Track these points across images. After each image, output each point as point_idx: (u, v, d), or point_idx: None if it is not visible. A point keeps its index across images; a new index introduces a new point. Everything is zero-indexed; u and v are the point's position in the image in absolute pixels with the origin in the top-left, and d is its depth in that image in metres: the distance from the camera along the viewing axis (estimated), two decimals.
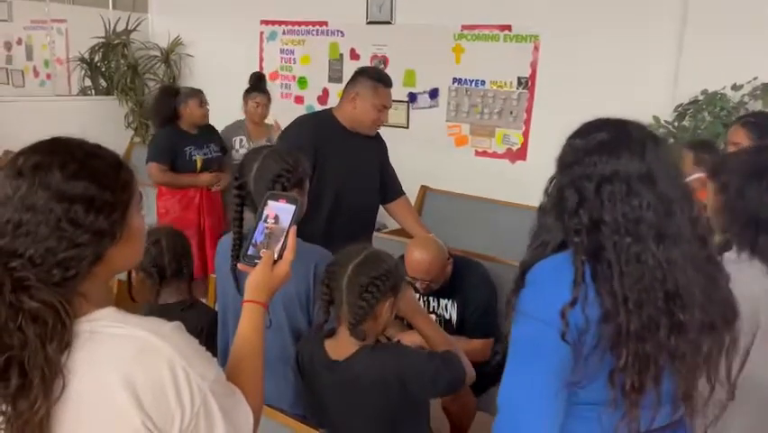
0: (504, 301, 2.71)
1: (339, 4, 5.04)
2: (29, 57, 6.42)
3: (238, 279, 1.72)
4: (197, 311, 2.02)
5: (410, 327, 2.68)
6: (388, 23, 4.86)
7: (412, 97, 4.84)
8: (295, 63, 5.45)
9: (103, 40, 5.96)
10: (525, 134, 4.43)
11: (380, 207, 2.86)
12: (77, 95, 6.12)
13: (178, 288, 2.10)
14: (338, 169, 2.52)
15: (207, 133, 3.94)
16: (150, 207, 3.85)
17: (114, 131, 5.64)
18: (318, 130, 2.55)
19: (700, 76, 3.57)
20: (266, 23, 5.53)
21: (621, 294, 1.06)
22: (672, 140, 3.48)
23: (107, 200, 0.91)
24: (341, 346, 1.65)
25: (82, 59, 5.96)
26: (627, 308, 1.06)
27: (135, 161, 4.66)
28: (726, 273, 1.19)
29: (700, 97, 3.54)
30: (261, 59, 5.61)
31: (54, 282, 0.87)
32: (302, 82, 5.43)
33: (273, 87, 5.52)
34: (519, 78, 4.38)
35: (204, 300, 2.56)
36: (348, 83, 2.62)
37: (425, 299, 2.64)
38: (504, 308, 2.71)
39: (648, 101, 3.64)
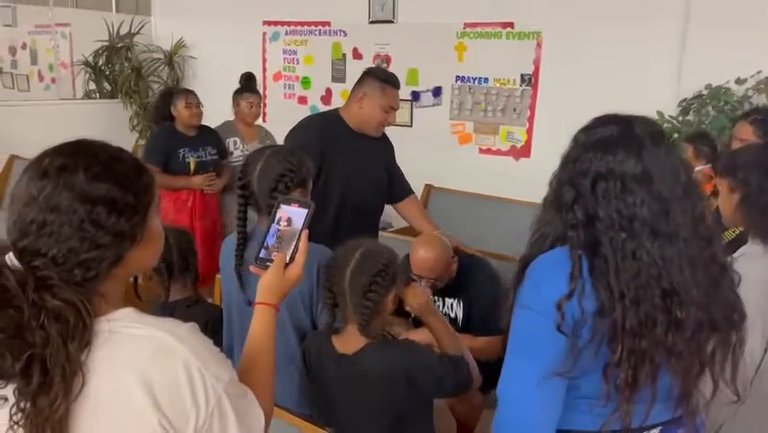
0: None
1: (341, 3, 5.05)
2: (33, 61, 6.46)
3: (242, 278, 1.73)
4: (203, 308, 2.05)
5: (416, 324, 2.69)
6: (391, 21, 4.87)
7: (415, 96, 4.84)
8: (298, 64, 5.46)
9: (106, 43, 5.99)
10: (529, 132, 4.42)
11: (387, 206, 2.86)
12: (82, 98, 6.16)
13: (184, 285, 2.16)
14: (344, 169, 2.52)
15: (205, 135, 3.89)
16: None
17: (119, 134, 5.66)
18: (324, 130, 2.56)
19: (704, 70, 3.56)
20: (268, 23, 5.54)
21: (618, 289, 1.07)
22: (676, 135, 3.47)
23: (129, 203, 0.92)
24: (349, 342, 1.66)
25: (86, 63, 5.99)
26: (624, 304, 1.07)
27: None
28: (731, 275, 1.18)
29: (704, 92, 3.54)
30: (264, 60, 5.62)
31: (75, 282, 0.88)
32: (305, 82, 5.44)
33: (276, 87, 5.55)
34: (522, 76, 4.38)
35: (210, 300, 2.58)
36: (356, 84, 2.62)
37: (432, 298, 2.64)
38: (509, 305, 2.72)
39: (652, 96, 3.64)
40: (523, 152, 4.47)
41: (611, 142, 1.13)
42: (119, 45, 6.00)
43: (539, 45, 4.28)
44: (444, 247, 2.44)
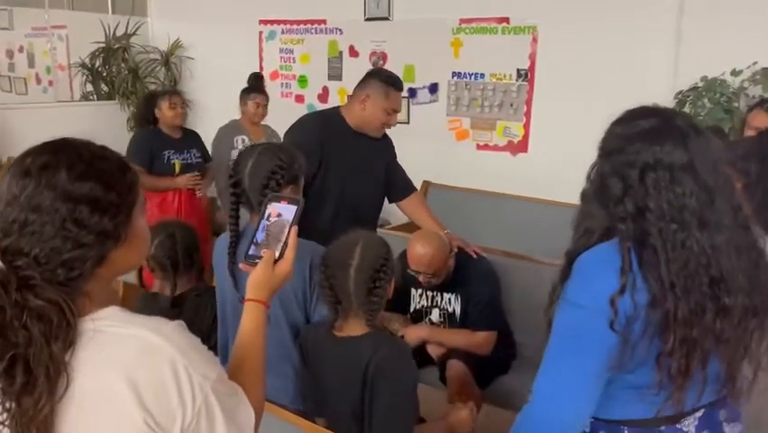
0: (511, 294, 2.72)
1: (337, 1, 5.05)
2: (31, 64, 6.46)
3: (236, 276, 1.73)
4: (211, 295, 2.06)
5: (414, 321, 2.70)
6: (386, 18, 4.86)
7: (412, 93, 4.84)
8: (294, 62, 5.46)
9: (103, 45, 5.98)
10: (526, 126, 4.42)
11: (387, 204, 2.86)
12: (80, 100, 6.15)
13: (189, 279, 2.19)
14: (343, 168, 2.52)
15: (189, 138, 3.88)
16: None
17: (117, 135, 5.59)
18: (324, 128, 2.55)
19: (700, 62, 3.56)
20: (264, 22, 5.54)
21: (668, 280, 1.08)
22: None
23: (112, 201, 0.92)
24: (350, 331, 1.66)
25: (83, 65, 5.99)
26: (675, 294, 1.08)
27: None
28: (766, 259, 1.20)
29: (700, 84, 3.53)
30: (261, 59, 5.62)
31: (58, 282, 0.87)
32: (302, 81, 5.44)
33: (273, 86, 5.53)
34: (518, 70, 4.37)
35: None
36: (359, 84, 2.61)
37: (429, 293, 2.64)
38: (506, 300, 2.71)
39: (648, 89, 3.63)
40: (520, 147, 4.47)
41: (657, 132, 1.13)
42: (116, 46, 5.99)
43: (535, 40, 4.28)
44: (441, 243, 2.44)
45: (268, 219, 1.18)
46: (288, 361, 1.77)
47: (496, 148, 4.57)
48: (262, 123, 4.23)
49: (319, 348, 1.70)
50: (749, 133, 2.42)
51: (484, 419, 2.62)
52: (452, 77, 4.66)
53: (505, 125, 4.51)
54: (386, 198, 2.81)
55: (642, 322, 1.09)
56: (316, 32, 5.26)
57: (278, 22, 5.46)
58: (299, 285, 1.74)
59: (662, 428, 1.19)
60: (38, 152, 0.92)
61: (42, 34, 6.10)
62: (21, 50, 6.49)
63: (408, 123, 4.87)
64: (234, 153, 3.99)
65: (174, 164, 3.74)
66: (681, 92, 3.61)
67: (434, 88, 4.77)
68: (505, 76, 4.44)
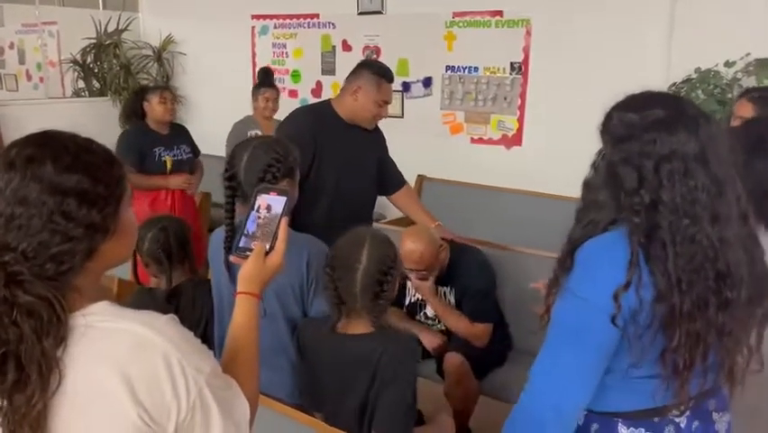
0: (506, 287, 2.70)
1: None
2: (21, 61, 6.42)
3: (232, 271, 1.73)
4: (206, 287, 2.07)
5: (410, 315, 2.70)
6: (380, 12, 4.85)
7: (406, 87, 4.83)
8: (287, 57, 5.44)
9: (94, 41, 5.94)
10: (520, 120, 4.42)
11: (381, 197, 2.86)
12: (71, 97, 6.12)
13: (183, 271, 2.20)
14: (337, 160, 2.51)
15: (178, 133, 3.82)
16: None
17: (109, 132, 5.57)
18: (317, 121, 2.54)
19: (693, 54, 3.56)
20: (257, 17, 5.51)
21: (675, 275, 1.06)
22: None
23: (101, 194, 0.90)
24: (353, 328, 1.65)
25: (74, 61, 5.95)
26: (681, 289, 1.06)
27: None
28: (761, 249, 1.19)
29: (694, 75, 3.53)
30: (254, 54, 5.60)
31: (47, 277, 0.86)
32: (295, 76, 5.42)
33: None
34: (512, 64, 4.37)
35: None
36: (350, 75, 2.60)
37: None
38: (501, 293, 2.70)
39: (642, 81, 3.59)
40: (514, 140, 4.47)
41: (671, 121, 1.09)
42: (107, 42, 5.96)
43: (528, 33, 4.27)
44: (431, 239, 2.44)
45: (258, 211, 1.18)
46: (285, 355, 1.76)
47: (490, 141, 4.57)
48: (275, 117, 4.21)
49: (319, 344, 1.69)
50: (735, 123, 2.41)
51: (480, 411, 2.63)
52: (446, 70, 4.65)
53: (499, 119, 4.51)
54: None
55: (646, 316, 1.08)
56: (309, 27, 5.24)
57: (271, 16, 5.43)
58: (296, 279, 1.74)
59: (655, 419, 1.18)
60: (22, 145, 0.90)
61: (33, 30, 6.06)
62: (11, 46, 6.45)
63: (402, 117, 4.86)
64: None
65: (165, 161, 3.69)
66: (674, 84, 3.60)
67: (427, 82, 4.76)
68: (499, 69, 4.43)
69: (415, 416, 1.70)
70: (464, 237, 2.70)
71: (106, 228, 0.91)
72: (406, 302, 2.73)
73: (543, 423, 1.14)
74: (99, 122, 5.52)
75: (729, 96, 3.40)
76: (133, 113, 3.74)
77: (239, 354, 1.11)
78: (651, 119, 1.11)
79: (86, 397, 0.86)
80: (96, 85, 6.07)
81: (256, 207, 1.18)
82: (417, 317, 2.72)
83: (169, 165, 3.69)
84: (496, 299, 2.64)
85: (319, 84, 5.26)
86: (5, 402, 0.83)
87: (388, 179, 2.78)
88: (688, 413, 1.21)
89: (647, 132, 1.10)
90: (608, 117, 1.17)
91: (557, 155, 3.99)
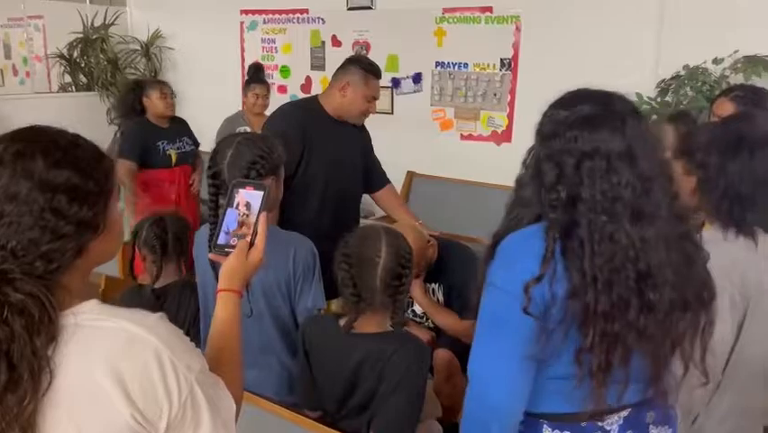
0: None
1: None
2: (7, 55, 6.34)
3: (216, 269, 1.71)
4: (194, 289, 2.06)
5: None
6: (369, 8, 4.83)
7: (395, 83, 4.82)
8: (276, 52, 5.40)
9: (81, 35, 5.88)
10: (510, 116, 4.42)
11: (366, 195, 2.85)
12: (58, 92, 6.05)
13: (177, 268, 2.20)
14: (326, 156, 2.50)
15: (178, 126, 3.83)
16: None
17: (97, 127, 5.56)
18: (305, 117, 2.53)
19: (682, 51, 3.57)
20: (246, 12, 5.47)
21: (590, 273, 1.05)
22: (654, 117, 3.48)
23: (91, 190, 0.89)
24: (366, 327, 1.63)
25: (61, 56, 5.89)
26: (596, 288, 1.05)
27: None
28: (703, 252, 1.17)
29: (682, 72, 3.55)
30: (243, 50, 5.56)
31: (37, 275, 0.85)
32: (284, 71, 5.39)
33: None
34: (502, 60, 4.37)
35: None
36: (338, 71, 2.58)
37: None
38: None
39: (631, 78, 3.63)
40: (504, 137, 4.47)
41: (596, 118, 1.09)
42: (94, 37, 5.90)
43: (518, 29, 4.27)
44: (418, 236, 2.43)
45: (236, 208, 1.16)
46: (273, 353, 1.75)
47: (480, 138, 4.56)
48: (266, 113, 4.20)
49: (328, 342, 1.66)
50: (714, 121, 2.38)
51: None
52: (436, 66, 4.64)
53: (489, 115, 4.50)
54: None
55: (559, 310, 1.07)
56: (299, 22, 5.21)
57: (260, 11, 5.39)
58: (282, 277, 1.73)
59: (583, 424, 1.16)
60: (10, 140, 0.89)
61: (19, 25, 5.99)
62: None
63: (392, 113, 4.85)
64: None
65: (170, 155, 3.70)
66: (663, 80, 3.61)
67: (417, 78, 4.75)
68: (488, 65, 4.43)
69: (416, 424, 1.66)
70: (448, 234, 2.69)
71: (96, 225, 0.91)
72: None
73: (486, 425, 1.13)
74: (86, 117, 5.52)
75: (717, 93, 3.41)
76: (132, 107, 3.72)
77: (222, 352, 1.10)
78: (576, 116, 1.11)
79: (77, 397, 0.85)
80: (83, 80, 6.01)
81: (235, 204, 1.16)
82: (406, 315, 2.71)
83: (174, 158, 3.72)
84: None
85: (309, 79, 5.24)
86: None
87: (373, 176, 2.77)
88: (621, 422, 1.18)
89: (570, 129, 1.10)
90: (543, 115, 1.18)
91: None
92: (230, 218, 1.16)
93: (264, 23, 5.41)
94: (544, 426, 1.18)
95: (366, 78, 2.50)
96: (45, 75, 6.07)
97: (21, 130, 0.91)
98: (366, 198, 2.87)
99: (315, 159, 2.48)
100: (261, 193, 1.16)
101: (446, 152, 4.59)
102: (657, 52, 3.74)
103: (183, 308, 2.07)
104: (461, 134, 4.63)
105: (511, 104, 4.39)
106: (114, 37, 5.99)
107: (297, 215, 2.37)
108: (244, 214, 1.15)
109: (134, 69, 6.00)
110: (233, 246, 1.14)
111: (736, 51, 3.41)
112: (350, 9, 4.92)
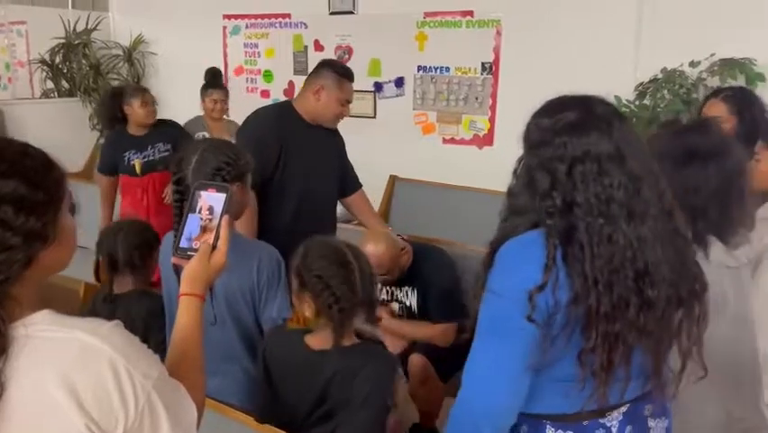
0: (471, 284, 2.72)
1: None
2: None
3: (179, 273, 1.69)
4: (148, 297, 2.03)
5: None
6: (351, 12, 4.83)
7: (378, 87, 4.82)
8: (259, 57, 5.40)
9: (63, 40, 5.84)
10: (492, 120, 4.43)
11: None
12: (40, 98, 6.01)
13: (134, 279, 2.11)
14: (302, 161, 2.49)
15: (156, 131, 3.74)
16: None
17: (79, 133, 5.55)
18: (281, 122, 2.52)
19: (660, 54, 3.60)
20: (228, 17, 5.46)
21: (592, 276, 1.06)
22: (634, 120, 3.50)
23: (39, 200, 0.88)
24: (329, 341, 1.57)
25: (43, 62, 5.84)
26: (598, 290, 1.06)
27: None
28: (692, 246, 1.18)
29: (660, 76, 3.57)
30: (225, 55, 5.55)
31: None
32: (267, 76, 5.38)
33: (239, 81, 5.48)
34: (483, 64, 4.38)
35: None
36: (311, 74, 2.57)
37: (388, 288, 2.63)
38: (470, 291, 2.71)
39: (610, 81, 3.64)
40: (486, 140, 4.48)
41: (582, 123, 1.11)
42: (76, 42, 5.85)
43: (498, 33, 4.29)
44: (390, 242, 2.43)
45: (199, 212, 1.15)
46: (236, 361, 1.73)
47: (462, 142, 4.57)
48: (227, 118, 4.19)
49: (292, 357, 1.63)
50: None
51: (447, 413, 2.61)
52: (418, 70, 4.65)
53: (470, 119, 4.51)
54: None
55: (562, 316, 1.07)
56: (281, 27, 5.21)
57: (242, 16, 5.38)
58: (246, 284, 1.71)
59: (585, 422, 1.18)
60: None
61: (0, 30, 5.94)
62: None
63: (375, 117, 4.85)
64: None
65: (134, 165, 3.68)
66: (641, 83, 3.64)
67: (399, 82, 4.75)
68: (470, 69, 4.44)
69: None
70: (425, 237, 2.69)
71: (45, 236, 0.89)
72: None
73: (477, 429, 1.14)
74: (69, 123, 5.50)
75: (695, 95, 3.44)
76: (114, 116, 3.71)
77: (184, 357, 1.09)
78: (562, 123, 1.12)
79: (30, 409, 0.84)
80: (66, 85, 5.97)
81: (197, 208, 1.15)
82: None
83: (138, 168, 3.70)
84: (460, 299, 2.62)
85: (291, 84, 5.23)
86: None
87: (346, 181, 2.76)
88: (620, 417, 1.20)
89: (559, 135, 1.11)
90: (527, 124, 1.19)
91: None
92: (192, 224, 1.14)
93: (247, 27, 5.40)
94: (548, 426, 1.19)
95: (340, 81, 2.49)
96: (28, 81, 6.02)
97: None
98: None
99: (292, 163, 2.47)
100: (224, 196, 1.15)
101: (428, 155, 4.59)
102: (635, 56, 3.77)
103: (133, 314, 2.02)
104: (444, 138, 4.64)
105: (492, 107, 4.40)
106: (97, 42, 5.95)
107: (275, 219, 2.36)
108: (207, 219, 1.14)
109: (117, 74, 5.96)
110: (196, 250, 1.13)
111: (712, 54, 3.44)
112: (332, 14, 4.92)
